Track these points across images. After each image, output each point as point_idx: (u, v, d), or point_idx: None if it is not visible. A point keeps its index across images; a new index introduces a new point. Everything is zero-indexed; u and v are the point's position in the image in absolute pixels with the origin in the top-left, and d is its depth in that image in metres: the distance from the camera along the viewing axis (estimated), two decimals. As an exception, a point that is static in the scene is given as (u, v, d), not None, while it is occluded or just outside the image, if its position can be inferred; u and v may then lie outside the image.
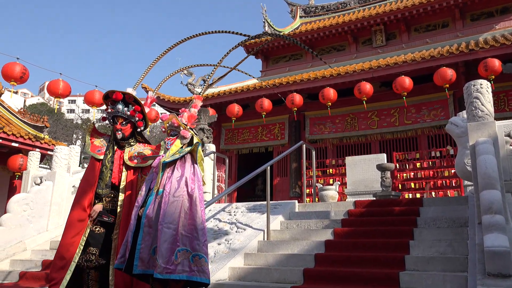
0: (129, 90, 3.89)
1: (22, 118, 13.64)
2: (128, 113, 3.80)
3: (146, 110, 3.92)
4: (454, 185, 11.15)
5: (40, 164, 12.13)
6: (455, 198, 6.05)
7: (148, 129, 4.17)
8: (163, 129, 3.76)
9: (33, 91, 71.40)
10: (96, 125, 4.35)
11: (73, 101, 65.02)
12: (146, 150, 3.88)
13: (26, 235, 7.20)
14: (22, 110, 14.99)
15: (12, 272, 6.32)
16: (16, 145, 12.26)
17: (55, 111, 32.80)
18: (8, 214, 7.14)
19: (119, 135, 3.77)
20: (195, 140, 3.63)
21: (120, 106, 3.78)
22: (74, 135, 36.34)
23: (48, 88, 10.32)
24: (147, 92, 15.36)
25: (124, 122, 3.80)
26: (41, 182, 8.06)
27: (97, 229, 3.64)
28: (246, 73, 5.23)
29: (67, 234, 3.59)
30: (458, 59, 11.23)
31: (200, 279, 3.20)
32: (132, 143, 3.89)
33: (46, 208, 7.57)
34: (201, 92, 4.26)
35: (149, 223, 3.30)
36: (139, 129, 3.92)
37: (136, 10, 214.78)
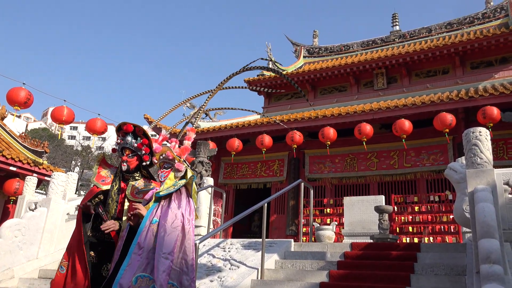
0: (163, 132, 3.93)
1: (22, 142, 13.67)
2: (136, 145, 3.80)
3: (155, 146, 3.86)
4: (452, 231, 11.02)
5: (36, 189, 12.05)
6: (453, 245, 5.96)
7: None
8: (155, 161, 3.74)
9: (36, 116, 72.02)
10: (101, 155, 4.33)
11: (75, 128, 65.36)
12: (150, 186, 3.85)
13: (15, 262, 7.04)
14: (23, 134, 15.04)
15: (-3, 300, 6.14)
16: (14, 169, 12.22)
17: (59, 137, 32.90)
18: (-1, 239, 7.02)
19: (124, 166, 3.75)
20: (189, 173, 3.62)
21: (129, 138, 3.80)
22: (73, 162, 36.28)
23: (52, 115, 10.40)
24: (150, 123, 15.39)
25: (130, 154, 3.79)
26: (35, 208, 7.98)
27: (91, 259, 3.56)
28: (247, 110, 5.29)
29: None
30: (458, 105, 11.37)
31: None
32: (137, 177, 3.86)
33: (38, 235, 7.44)
34: (196, 125, 4.29)
35: (139, 251, 3.24)
36: (144, 163, 3.88)
37: (142, 39, 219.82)
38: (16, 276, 6.92)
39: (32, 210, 7.88)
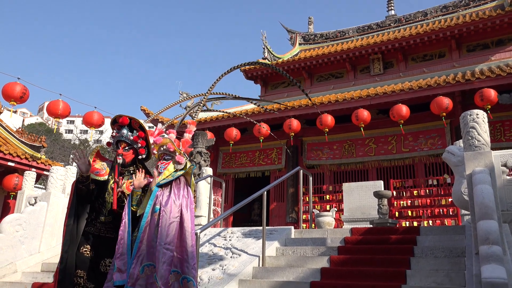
0: (159, 125, 3.86)
1: (19, 137, 13.62)
2: (131, 138, 3.72)
3: (152, 140, 3.78)
4: (451, 213, 11.10)
5: (35, 184, 12.05)
6: (452, 227, 6.01)
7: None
8: (155, 152, 3.71)
9: (32, 110, 71.64)
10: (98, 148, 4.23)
11: (72, 122, 65.15)
12: (144, 180, 3.80)
13: (18, 256, 7.07)
14: (20, 129, 14.99)
15: (1, 295, 6.18)
16: (12, 164, 12.20)
17: (55, 131, 32.79)
18: (1, 234, 7.03)
19: (120, 160, 3.67)
20: (188, 164, 3.63)
21: (124, 131, 3.72)
22: (71, 156, 36.22)
23: (48, 109, 10.36)
24: (146, 115, 15.31)
25: (126, 148, 3.72)
26: (35, 202, 7.98)
27: (86, 251, 3.53)
28: (246, 98, 5.28)
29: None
30: (455, 89, 11.37)
31: None
32: (132, 171, 3.79)
33: (39, 229, 7.46)
34: (195, 116, 4.28)
35: (143, 239, 3.28)
36: (140, 157, 3.81)
37: (136, 32, 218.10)
38: (19, 271, 6.95)
39: (32, 205, 7.88)
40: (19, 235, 7.19)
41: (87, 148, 37.30)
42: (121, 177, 3.76)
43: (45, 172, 12.80)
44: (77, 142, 43.86)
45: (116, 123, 3.78)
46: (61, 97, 10.33)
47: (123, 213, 3.46)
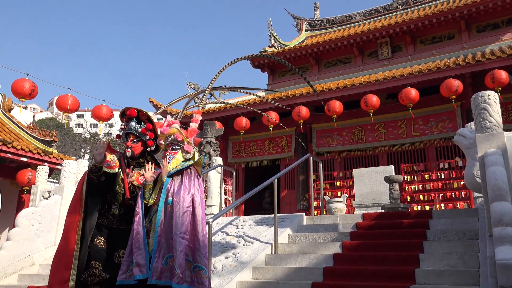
0: (168, 117, 3.84)
1: (31, 133, 13.77)
2: (139, 130, 3.73)
3: (160, 129, 3.77)
4: (463, 197, 11.03)
5: (48, 178, 12.21)
6: (465, 210, 5.98)
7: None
8: (161, 142, 3.71)
9: (42, 106, 72.28)
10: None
11: (82, 116, 65.64)
12: (155, 173, 3.80)
13: (34, 249, 7.21)
14: (31, 125, 15.13)
15: (20, 287, 6.31)
16: (25, 159, 12.35)
17: (65, 126, 33.07)
18: (17, 228, 7.16)
19: (129, 152, 3.69)
20: (197, 155, 3.64)
21: (133, 123, 3.73)
22: (82, 149, 36.56)
23: (57, 103, 10.44)
24: (155, 106, 15.35)
25: (135, 140, 3.73)
26: (49, 196, 8.10)
27: (100, 243, 3.57)
28: (254, 88, 5.26)
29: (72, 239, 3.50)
30: (465, 71, 11.21)
31: None
32: (142, 163, 3.79)
33: (54, 222, 7.58)
34: (202, 106, 4.27)
35: (161, 233, 3.31)
36: (149, 149, 3.82)
37: (143, 24, 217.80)
38: (36, 263, 7.09)
39: (46, 199, 7.99)
40: (35, 228, 7.31)
41: (97, 141, 37.61)
42: (130, 169, 3.77)
43: (57, 166, 12.95)
44: (87, 136, 44.22)
45: (125, 115, 3.79)
46: (70, 91, 10.41)
47: (136, 207, 3.47)
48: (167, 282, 3.17)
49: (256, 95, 5.36)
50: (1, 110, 14.07)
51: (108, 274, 3.47)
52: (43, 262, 7.14)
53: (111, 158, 3.79)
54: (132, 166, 3.79)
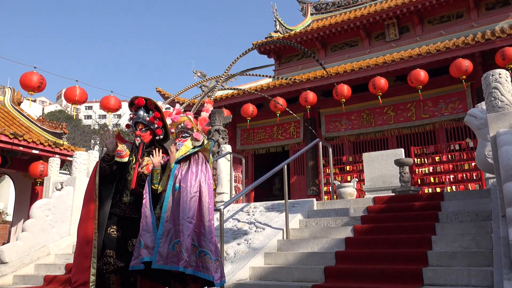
0: (177, 106, 3.84)
1: (41, 125, 13.89)
2: (148, 119, 3.75)
3: (169, 121, 3.81)
4: (475, 178, 10.95)
5: (60, 170, 12.33)
6: (477, 191, 5.93)
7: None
8: (172, 131, 3.74)
9: (51, 98, 72.73)
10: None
11: (90, 107, 65.98)
12: (163, 158, 3.83)
13: (49, 239, 7.33)
14: (41, 117, 15.26)
15: (37, 276, 6.44)
16: (37, 152, 12.49)
17: (74, 118, 33.29)
18: (32, 219, 7.28)
19: (138, 141, 3.74)
20: (206, 142, 3.66)
21: (141, 112, 3.75)
22: (92, 141, 36.85)
23: (65, 95, 10.50)
24: (162, 96, 15.35)
25: (144, 129, 3.75)
26: (61, 187, 8.20)
27: (113, 232, 3.62)
28: (258, 75, 5.23)
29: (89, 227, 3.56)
30: (474, 50, 11.01)
31: (203, 275, 3.22)
32: (151, 152, 3.78)
33: (67, 213, 7.69)
34: (211, 96, 4.27)
35: (168, 219, 3.33)
36: (158, 137, 3.85)
37: (149, 14, 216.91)
38: (52, 253, 7.22)
39: (59, 190, 8.10)
40: (49, 219, 7.43)
41: (105, 131, 37.85)
42: (141, 158, 3.79)
43: (68, 158, 13.07)
44: (96, 127, 44.51)
45: (133, 104, 3.82)
46: (77, 83, 10.45)
47: (144, 192, 3.52)
48: (173, 267, 3.19)
49: (265, 76, 5.30)
50: (11, 104, 14.19)
51: (122, 262, 3.53)
52: (58, 252, 7.26)
53: (122, 147, 3.83)
54: (142, 155, 3.81)
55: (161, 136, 3.87)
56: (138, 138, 3.74)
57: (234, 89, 6.67)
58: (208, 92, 4.59)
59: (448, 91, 12.13)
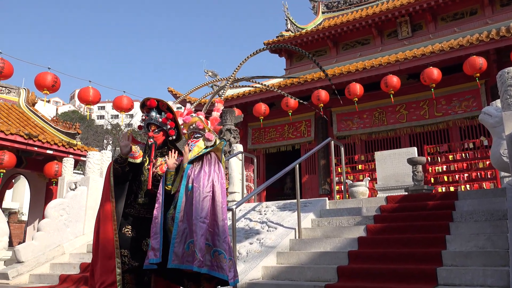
0: (188, 105, 3.87)
1: (55, 126, 14.07)
2: (160, 120, 3.77)
3: (181, 121, 3.82)
4: (489, 176, 10.80)
5: (74, 170, 12.49)
6: (492, 190, 5.85)
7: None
8: (184, 132, 3.76)
9: (64, 99, 73.62)
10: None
11: (103, 107, 66.64)
12: (178, 160, 3.84)
13: (64, 239, 7.43)
14: (55, 118, 15.46)
15: (52, 276, 6.53)
16: (51, 152, 12.66)
17: (88, 118, 33.65)
18: (46, 219, 7.39)
19: (151, 142, 3.77)
20: (218, 142, 3.67)
21: (153, 113, 3.77)
22: (104, 141, 37.21)
23: (79, 96, 10.62)
24: (174, 96, 15.42)
25: (156, 130, 3.78)
26: (75, 187, 8.30)
27: (128, 231, 3.66)
28: (273, 76, 5.23)
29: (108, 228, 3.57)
30: (489, 47, 10.86)
31: (218, 275, 3.24)
32: (164, 153, 3.84)
33: (81, 213, 7.79)
34: (222, 95, 4.29)
35: (183, 218, 3.35)
36: (170, 138, 3.87)
37: (162, 14, 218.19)
38: (66, 252, 7.31)
39: (73, 190, 8.20)
40: (64, 219, 7.53)
41: (119, 132, 38.18)
42: (154, 159, 3.81)
43: (82, 158, 13.22)
44: (109, 127, 44.93)
45: (145, 106, 3.85)
46: (90, 83, 10.56)
47: (158, 193, 3.55)
48: (188, 266, 3.22)
49: (277, 78, 5.31)
50: (26, 105, 14.40)
51: (136, 262, 3.57)
52: (73, 251, 7.36)
53: (135, 148, 3.86)
54: (155, 156, 3.83)
55: (174, 137, 3.89)
56: (151, 139, 3.77)
57: (249, 81, 6.54)
58: (218, 91, 4.60)
59: (462, 89, 11.98)
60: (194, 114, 3.78)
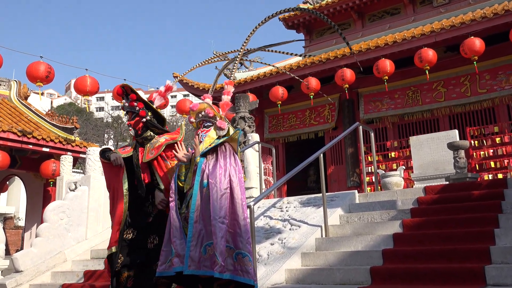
0: (168, 82, 4.04)
1: (50, 120, 14.27)
2: (128, 104, 3.94)
3: (160, 101, 4.02)
4: (543, 161, 10.59)
5: (73, 168, 12.69)
6: (547, 176, 5.74)
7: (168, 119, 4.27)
8: (191, 120, 3.75)
9: (59, 91, 74.80)
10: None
11: (102, 98, 67.38)
12: (161, 139, 3.95)
13: (65, 245, 7.57)
14: (50, 112, 15.68)
15: (54, 285, 6.68)
16: (47, 149, 12.86)
17: (87, 110, 34.08)
18: (45, 224, 7.53)
19: (131, 131, 3.96)
20: (232, 130, 3.63)
21: (124, 101, 3.99)
22: (105, 135, 37.68)
23: (75, 86, 10.71)
24: (180, 82, 15.46)
25: (131, 117, 3.94)
26: (75, 187, 8.43)
27: (128, 236, 3.83)
28: (287, 53, 5.19)
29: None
30: (540, 10, 10.57)
31: (244, 280, 3.22)
32: (149, 138, 3.99)
33: (83, 215, 7.91)
34: (233, 77, 4.28)
35: (198, 219, 3.35)
36: (144, 119, 3.95)
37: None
38: (68, 259, 7.46)
39: (73, 190, 8.33)
40: (64, 222, 7.66)
41: (121, 125, 38.56)
42: (142, 148, 3.99)
43: (81, 155, 13.42)
44: (109, 120, 45.43)
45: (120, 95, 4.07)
46: (87, 72, 10.64)
47: (171, 192, 3.59)
48: (207, 272, 3.20)
49: (294, 55, 5.27)
50: (18, 98, 14.64)
51: (139, 259, 3.76)
52: (75, 258, 7.49)
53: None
54: (143, 144, 4.02)
55: (148, 117, 3.97)
56: (130, 127, 3.95)
57: (262, 64, 6.56)
58: (227, 64, 4.59)
59: (509, 61, 11.73)
60: (201, 100, 3.79)
